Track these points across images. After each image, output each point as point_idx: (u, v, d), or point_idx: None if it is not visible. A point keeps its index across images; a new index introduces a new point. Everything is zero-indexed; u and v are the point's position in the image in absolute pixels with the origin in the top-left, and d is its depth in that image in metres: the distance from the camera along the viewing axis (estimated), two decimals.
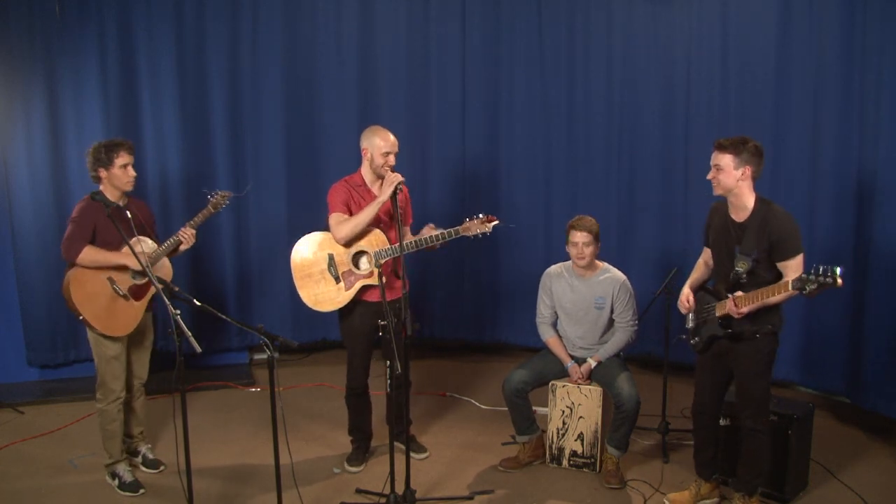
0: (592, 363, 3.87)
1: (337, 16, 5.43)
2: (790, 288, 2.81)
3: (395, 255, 3.59)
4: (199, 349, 2.85)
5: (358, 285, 3.73)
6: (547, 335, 4.01)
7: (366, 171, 3.78)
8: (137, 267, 3.56)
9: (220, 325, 5.36)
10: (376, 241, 3.72)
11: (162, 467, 3.86)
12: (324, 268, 3.77)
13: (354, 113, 5.47)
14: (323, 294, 3.77)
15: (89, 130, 4.91)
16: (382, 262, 3.65)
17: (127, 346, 3.76)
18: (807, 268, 2.82)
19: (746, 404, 3.23)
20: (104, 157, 3.56)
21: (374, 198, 3.75)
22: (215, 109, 5.27)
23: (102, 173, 3.58)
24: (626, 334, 3.88)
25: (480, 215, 3.62)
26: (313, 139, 5.52)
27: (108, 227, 3.53)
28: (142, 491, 3.65)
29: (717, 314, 3.19)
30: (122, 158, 3.57)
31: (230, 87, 5.28)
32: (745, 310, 3.04)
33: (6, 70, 4.80)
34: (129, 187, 3.63)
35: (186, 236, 3.67)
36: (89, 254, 3.54)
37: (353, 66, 5.47)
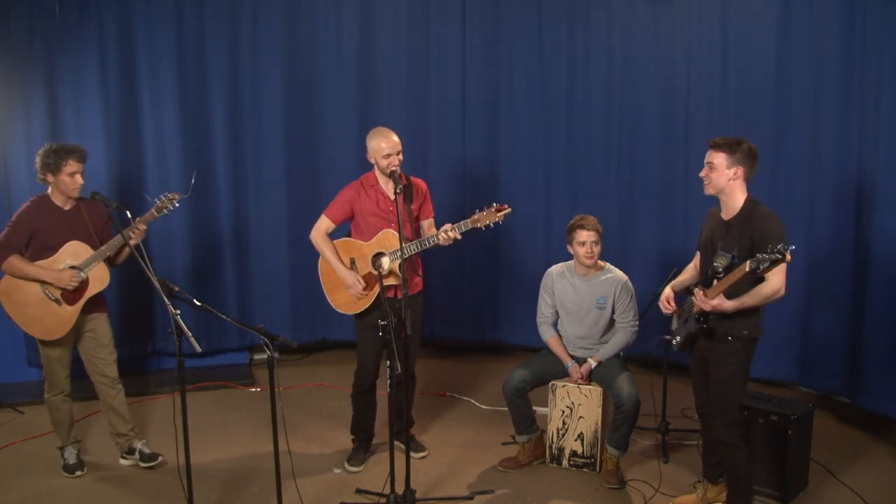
0: (593, 363, 3.87)
1: (337, 16, 5.43)
2: (746, 268, 2.82)
3: (408, 254, 3.59)
4: (199, 349, 2.86)
5: (379, 286, 3.74)
6: (547, 335, 4.01)
7: (377, 172, 3.82)
8: (62, 284, 3.55)
9: (220, 325, 5.36)
10: (388, 243, 3.74)
11: (160, 458, 3.86)
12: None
13: (354, 113, 5.47)
14: (347, 297, 3.83)
15: (89, 130, 4.91)
16: (398, 262, 3.67)
17: (79, 348, 3.78)
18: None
19: (717, 410, 3.17)
20: (52, 162, 3.53)
21: (386, 199, 3.80)
22: (215, 109, 5.27)
23: (49, 178, 3.56)
24: (627, 335, 3.88)
25: (494, 205, 3.62)
26: (313, 139, 5.52)
27: (48, 230, 3.55)
28: (78, 473, 3.80)
29: (695, 310, 3.18)
30: (71, 167, 3.54)
31: (230, 87, 5.28)
32: (714, 301, 3.00)
33: (6, 70, 4.80)
34: (74, 194, 3.61)
35: (138, 231, 3.58)
36: (14, 263, 3.54)
37: (353, 66, 5.47)
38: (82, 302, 3.66)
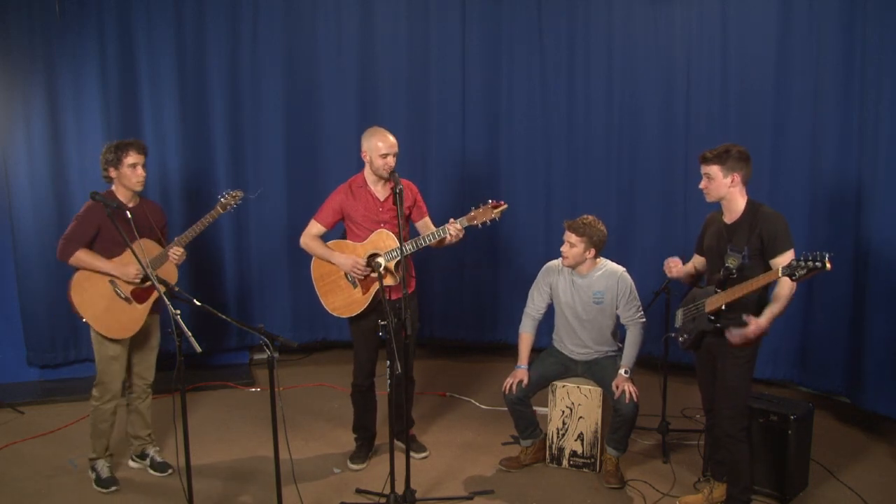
0: (624, 375, 3.73)
1: (337, 15, 5.43)
2: (780, 274, 2.85)
3: (404, 255, 3.57)
4: (199, 349, 2.85)
5: (375, 287, 3.73)
6: (525, 329, 4.00)
7: (367, 173, 3.80)
8: (127, 278, 3.59)
9: (220, 325, 5.36)
10: (383, 244, 3.73)
11: (170, 470, 3.85)
12: (342, 274, 3.81)
13: (354, 112, 5.47)
14: (343, 301, 3.82)
15: (89, 130, 4.91)
16: (394, 261, 3.66)
17: (130, 347, 3.76)
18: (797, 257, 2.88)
19: (724, 405, 3.22)
20: (113, 156, 3.58)
21: (375, 200, 3.78)
22: (215, 109, 5.27)
23: (112, 172, 3.61)
24: (638, 328, 3.81)
25: (490, 201, 3.59)
26: (313, 138, 5.52)
27: (113, 227, 3.52)
28: (114, 488, 3.69)
29: (707, 310, 3.20)
30: (131, 157, 3.58)
31: (230, 87, 5.28)
32: (763, 323, 3.04)
33: (6, 70, 4.80)
34: (138, 187, 3.64)
35: (176, 255, 3.65)
36: (81, 257, 3.56)
37: (353, 65, 5.46)
38: (151, 300, 3.69)
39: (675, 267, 3.46)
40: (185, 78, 5.16)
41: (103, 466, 3.75)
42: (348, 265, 3.72)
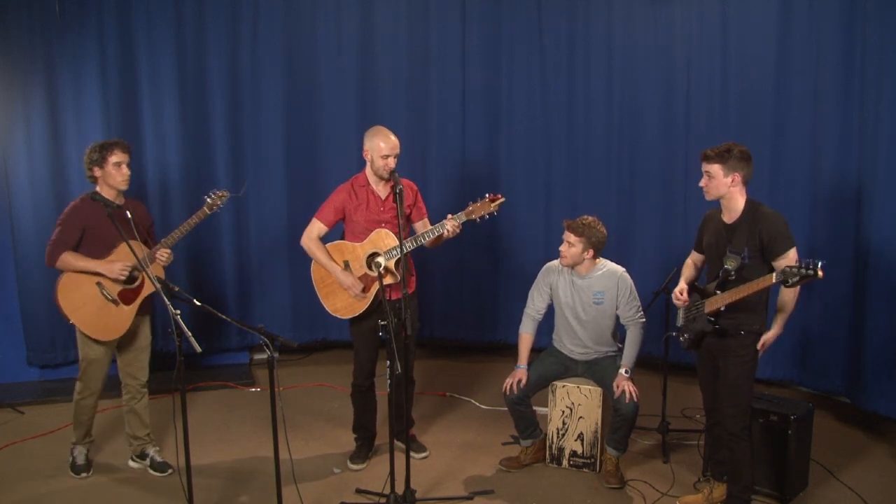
0: (624, 374, 3.73)
1: (337, 15, 5.43)
2: (773, 280, 2.88)
3: (403, 253, 3.57)
4: (199, 349, 2.85)
5: (375, 287, 3.73)
6: (525, 329, 4.00)
7: (369, 172, 3.80)
8: (113, 274, 3.59)
9: (220, 325, 5.36)
10: (382, 242, 3.73)
11: (170, 470, 3.85)
12: None
13: (354, 112, 5.47)
14: (344, 302, 3.81)
15: (89, 130, 4.91)
16: (394, 261, 3.66)
17: (118, 348, 3.78)
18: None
19: (727, 404, 3.22)
20: (97, 155, 3.58)
21: (377, 199, 3.78)
22: (215, 109, 5.27)
23: (97, 172, 3.60)
24: (638, 328, 3.80)
25: (488, 195, 3.58)
26: (313, 138, 5.52)
27: (100, 227, 3.54)
28: (84, 475, 3.80)
29: (706, 310, 3.21)
30: (116, 156, 3.58)
31: (230, 87, 5.28)
32: (778, 333, 3.15)
33: (6, 70, 4.80)
34: (123, 186, 3.64)
35: (164, 257, 3.66)
36: (67, 259, 3.58)
37: (353, 65, 5.47)
38: (139, 301, 3.70)
39: (684, 301, 3.39)
40: (185, 78, 5.16)
41: (80, 452, 3.86)
42: (346, 284, 3.73)
